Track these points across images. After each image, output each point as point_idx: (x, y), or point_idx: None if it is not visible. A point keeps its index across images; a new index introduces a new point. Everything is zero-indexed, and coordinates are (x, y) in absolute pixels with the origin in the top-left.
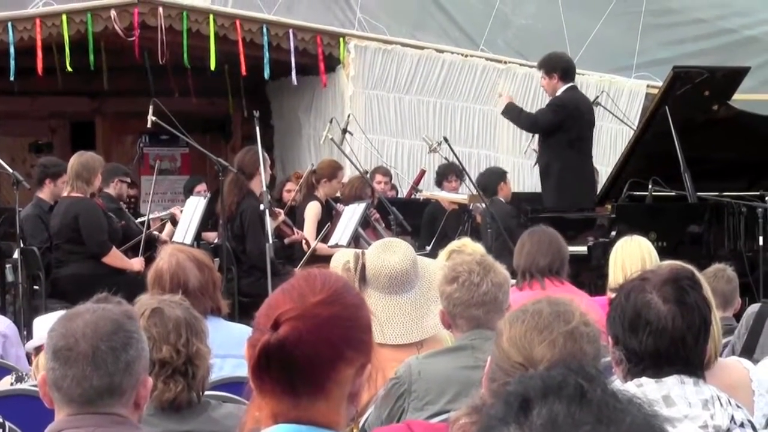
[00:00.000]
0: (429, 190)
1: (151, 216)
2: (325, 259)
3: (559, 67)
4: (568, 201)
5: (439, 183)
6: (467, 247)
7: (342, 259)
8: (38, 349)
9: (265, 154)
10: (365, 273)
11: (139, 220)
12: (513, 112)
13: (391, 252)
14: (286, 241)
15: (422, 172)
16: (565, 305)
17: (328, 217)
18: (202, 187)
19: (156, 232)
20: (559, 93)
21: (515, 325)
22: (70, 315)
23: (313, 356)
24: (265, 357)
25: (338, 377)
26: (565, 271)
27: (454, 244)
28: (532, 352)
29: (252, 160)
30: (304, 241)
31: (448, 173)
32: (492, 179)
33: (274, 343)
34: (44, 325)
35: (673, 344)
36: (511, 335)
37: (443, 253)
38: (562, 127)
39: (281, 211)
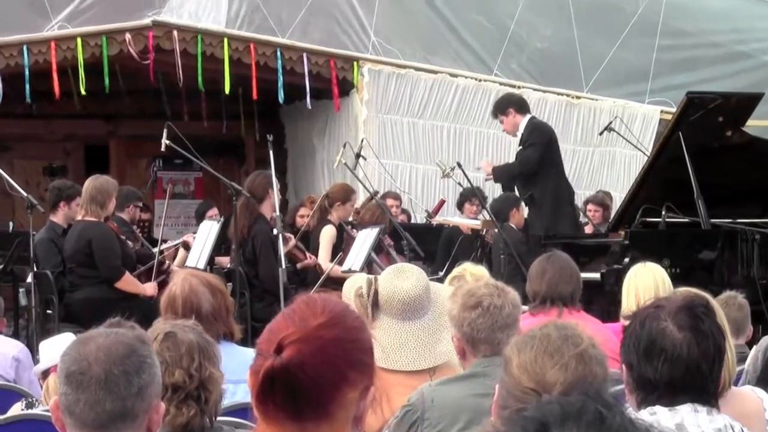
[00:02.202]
0: (446, 216)
1: (163, 246)
2: (339, 282)
3: (511, 102)
4: (552, 225)
5: (461, 205)
6: (467, 272)
7: (354, 285)
8: (45, 373)
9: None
10: (378, 299)
11: (156, 249)
12: (501, 172)
13: (403, 278)
14: (298, 265)
15: (442, 202)
16: (572, 329)
17: (342, 241)
18: (213, 211)
19: (168, 262)
20: (521, 127)
21: (524, 351)
22: (83, 339)
23: (317, 378)
24: (270, 381)
25: (342, 400)
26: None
27: (455, 271)
28: (545, 376)
29: (262, 183)
30: (316, 266)
31: (472, 196)
32: (505, 205)
33: (278, 366)
34: (49, 348)
35: (688, 372)
36: (521, 361)
37: (447, 280)
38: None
39: (291, 236)
